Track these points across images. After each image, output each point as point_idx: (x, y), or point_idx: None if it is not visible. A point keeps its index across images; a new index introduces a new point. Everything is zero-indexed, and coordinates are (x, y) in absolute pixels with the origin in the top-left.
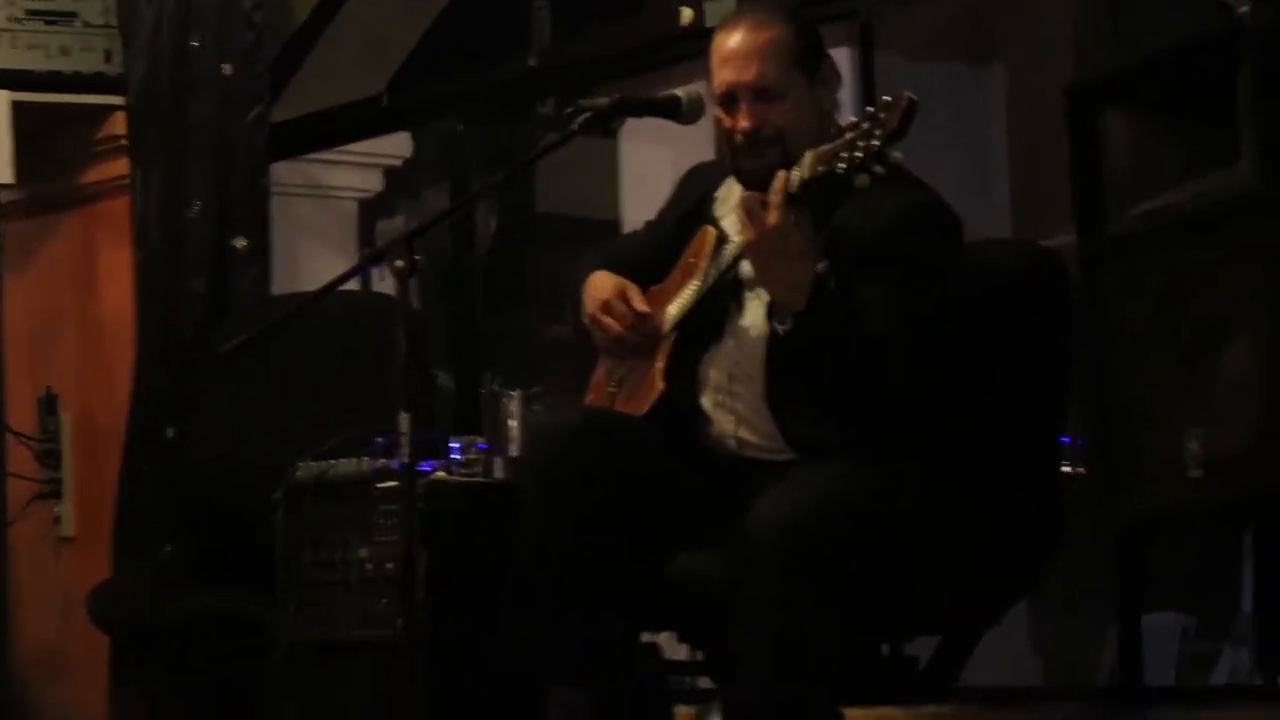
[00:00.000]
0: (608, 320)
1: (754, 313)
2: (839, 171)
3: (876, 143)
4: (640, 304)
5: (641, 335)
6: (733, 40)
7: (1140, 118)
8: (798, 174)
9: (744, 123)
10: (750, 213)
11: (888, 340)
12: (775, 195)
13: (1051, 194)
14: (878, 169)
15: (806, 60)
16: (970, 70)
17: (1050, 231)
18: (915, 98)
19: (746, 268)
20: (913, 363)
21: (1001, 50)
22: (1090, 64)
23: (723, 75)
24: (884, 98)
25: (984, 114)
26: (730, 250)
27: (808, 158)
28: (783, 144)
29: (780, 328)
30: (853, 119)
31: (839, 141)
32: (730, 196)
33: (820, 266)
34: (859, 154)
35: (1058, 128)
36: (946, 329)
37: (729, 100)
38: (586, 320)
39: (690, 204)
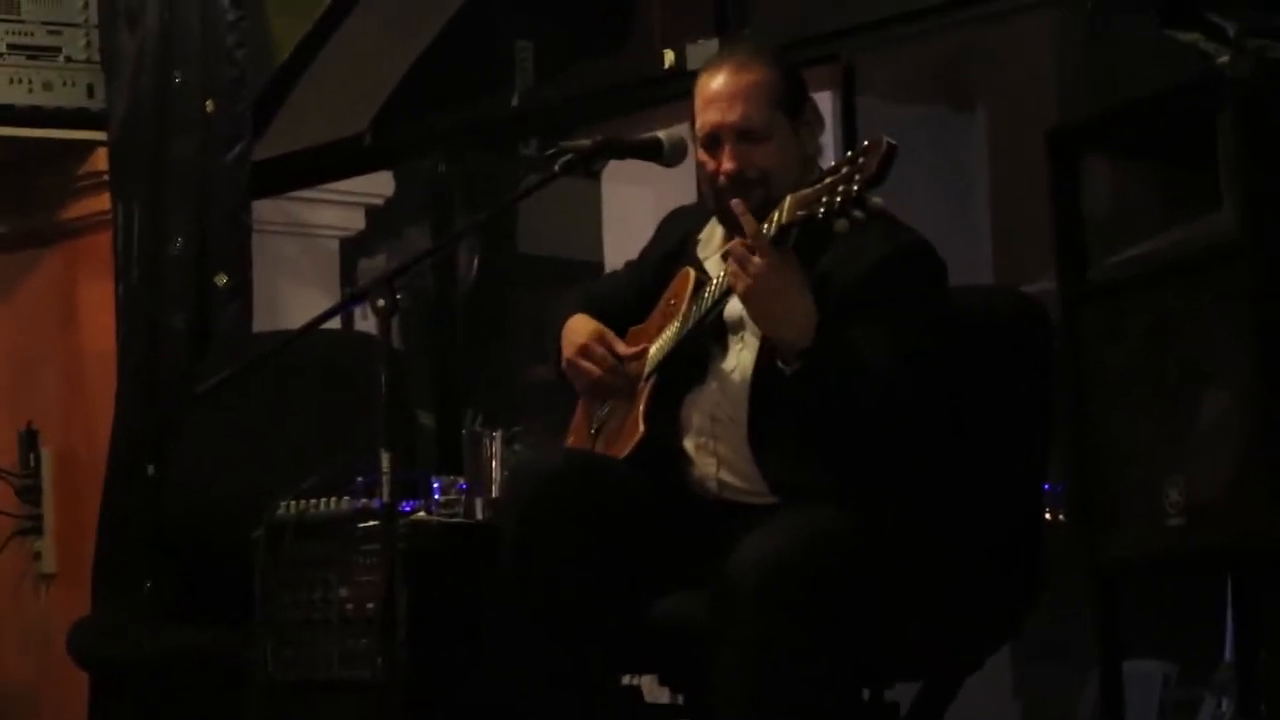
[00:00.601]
0: (586, 364)
1: (736, 355)
2: (818, 216)
3: (855, 188)
4: (622, 348)
5: (620, 379)
6: (717, 82)
7: (1121, 164)
8: (776, 217)
9: (728, 164)
10: (740, 260)
11: (881, 382)
12: (757, 239)
13: (1032, 239)
14: (857, 214)
15: (790, 103)
16: (952, 114)
17: (1032, 276)
18: (895, 143)
19: (730, 310)
20: (904, 405)
21: (983, 94)
22: (1071, 109)
23: (707, 116)
24: (864, 142)
25: (965, 158)
26: (711, 292)
27: (787, 202)
28: (766, 186)
29: (787, 369)
30: (833, 164)
31: (818, 186)
32: (713, 238)
33: None
34: (838, 199)
35: (1039, 173)
36: (934, 372)
37: (712, 142)
38: (564, 364)
39: (672, 245)
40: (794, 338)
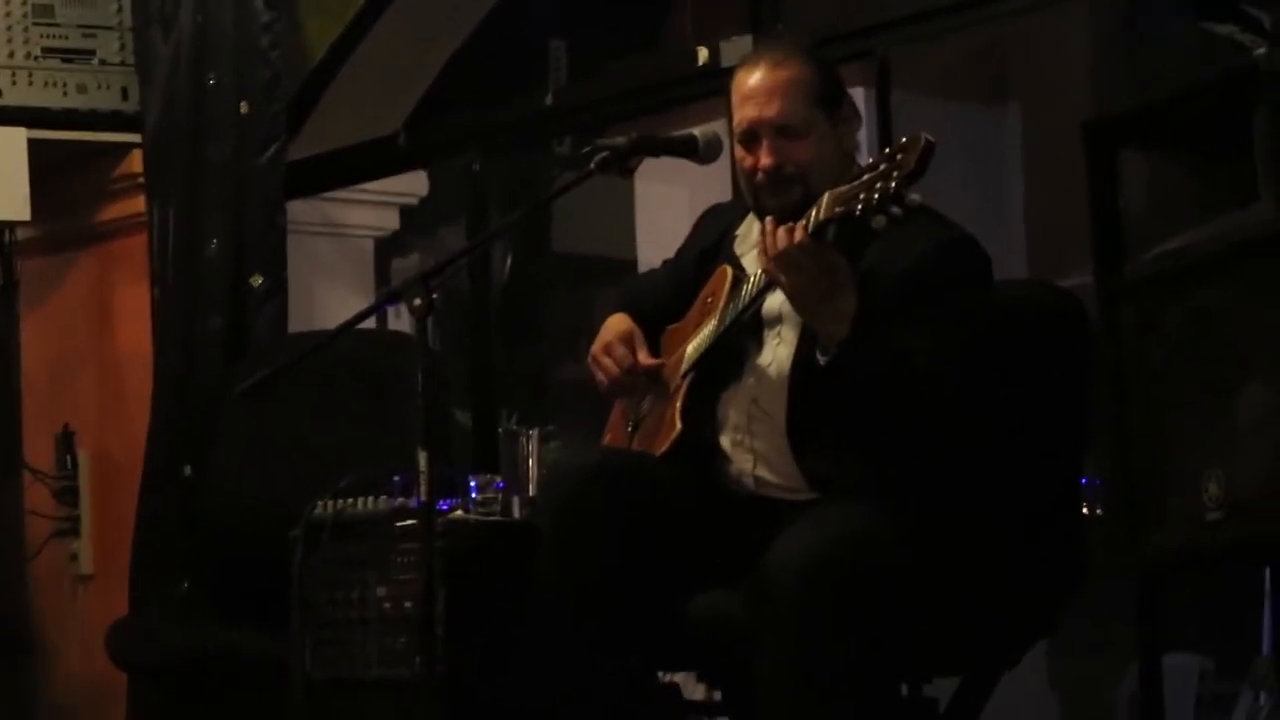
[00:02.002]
0: (606, 362)
1: (773, 350)
2: (856, 213)
3: (894, 184)
4: (644, 356)
5: (636, 381)
6: (754, 78)
7: (1157, 157)
8: (814, 214)
9: (766, 160)
10: (792, 256)
11: (919, 375)
12: (805, 238)
13: (1067, 233)
14: (895, 210)
15: (828, 99)
16: (987, 109)
17: (1066, 272)
18: (933, 139)
19: (768, 305)
20: (943, 398)
21: (1017, 89)
22: (1106, 103)
23: (744, 112)
24: (902, 139)
25: (1000, 153)
26: (749, 289)
27: (825, 199)
28: (805, 182)
29: (823, 358)
30: (870, 160)
31: (856, 183)
32: (750, 234)
33: None
34: (876, 195)
35: (1073, 166)
36: (975, 365)
37: (750, 138)
38: (589, 359)
39: (709, 242)
40: (834, 328)
